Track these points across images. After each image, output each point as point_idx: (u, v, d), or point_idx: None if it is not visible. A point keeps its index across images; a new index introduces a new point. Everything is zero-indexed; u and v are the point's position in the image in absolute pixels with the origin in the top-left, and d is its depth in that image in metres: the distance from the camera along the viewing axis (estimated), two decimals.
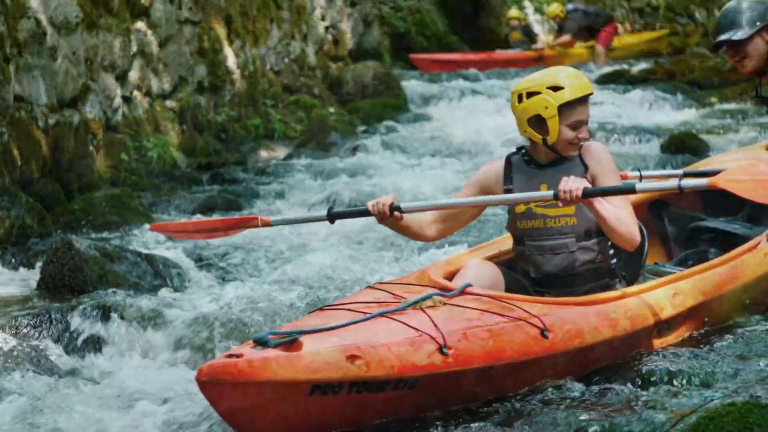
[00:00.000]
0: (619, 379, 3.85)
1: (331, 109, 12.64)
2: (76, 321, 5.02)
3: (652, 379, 3.81)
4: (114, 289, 5.60)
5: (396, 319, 3.57)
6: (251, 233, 7.40)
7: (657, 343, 4.15)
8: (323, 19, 14.89)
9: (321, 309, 3.84)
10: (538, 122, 4.12)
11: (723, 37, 4.81)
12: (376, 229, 6.49)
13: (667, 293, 4.18)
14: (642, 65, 16.49)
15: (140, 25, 9.75)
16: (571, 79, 4.09)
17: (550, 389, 3.76)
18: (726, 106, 12.10)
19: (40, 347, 4.80)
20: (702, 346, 4.20)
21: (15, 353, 4.69)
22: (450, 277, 4.19)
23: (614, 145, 10.08)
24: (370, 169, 9.40)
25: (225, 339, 4.73)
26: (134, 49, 9.50)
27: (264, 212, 7.98)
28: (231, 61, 11.48)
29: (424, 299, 3.73)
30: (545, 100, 4.08)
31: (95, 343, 4.93)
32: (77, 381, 4.37)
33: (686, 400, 3.55)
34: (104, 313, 5.06)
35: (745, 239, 4.88)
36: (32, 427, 3.87)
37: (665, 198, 5.44)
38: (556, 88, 4.08)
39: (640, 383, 3.79)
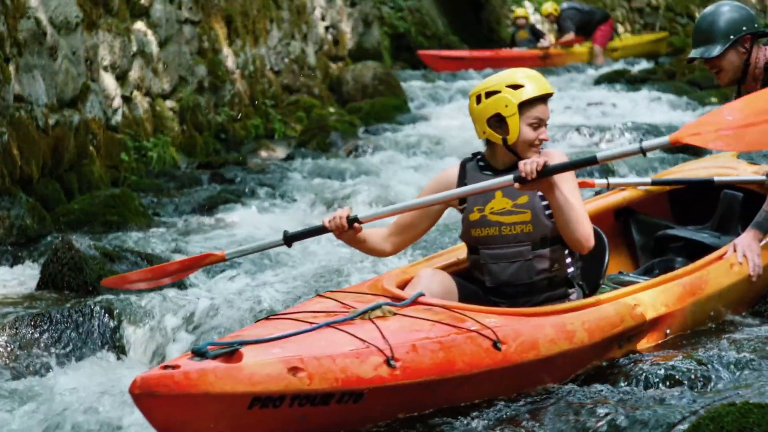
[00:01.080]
0: (618, 380, 3.85)
1: (331, 109, 12.64)
2: (76, 321, 5.01)
3: (652, 379, 3.81)
4: (114, 289, 5.60)
5: (343, 330, 3.47)
6: (253, 228, 7.42)
7: (619, 354, 4.04)
8: (323, 19, 14.89)
9: (267, 318, 3.73)
10: (497, 122, 4.04)
11: (696, 54, 4.82)
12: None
13: (627, 304, 4.07)
14: (642, 65, 16.49)
15: (140, 25, 9.75)
16: (531, 78, 4.03)
17: (548, 390, 3.76)
18: None
19: (41, 347, 4.80)
20: (702, 346, 4.20)
21: (15, 353, 4.69)
22: (404, 286, 4.08)
23: (615, 145, 10.08)
24: (370, 169, 9.41)
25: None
26: (134, 49, 9.51)
27: (264, 211, 7.98)
28: (231, 61, 11.48)
29: (373, 309, 3.62)
30: (505, 99, 4.01)
31: (95, 343, 4.93)
32: (77, 381, 4.38)
33: (686, 400, 3.55)
34: (104, 313, 5.06)
35: (712, 249, 4.79)
36: (32, 426, 3.87)
37: (632, 206, 5.35)
38: (515, 86, 4.01)
39: (639, 383, 3.78)
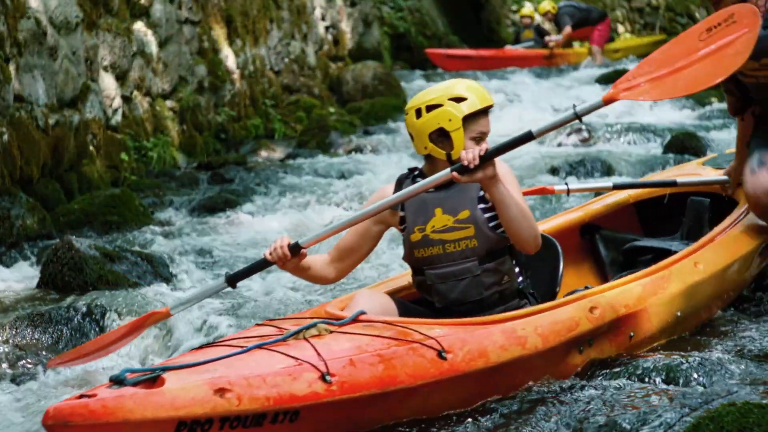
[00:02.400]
0: (618, 380, 3.85)
1: (331, 109, 12.65)
2: (76, 321, 5.02)
3: (652, 379, 3.81)
4: (114, 289, 5.60)
5: (275, 351, 3.33)
6: (253, 229, 7.42)
7: (580, 360, 3.92)
8: (323, 19, 14.89)
9: (198, 348, 3.58)
10: (440, 136, 3.90)
11: None
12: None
13: (583, 307, 3.93)
14: None
15: (140, 25, 9.76)
16: (473, 90, 3.90)
17: (547, 390, 3.76)
18: (726, 106, 12.08)
19: (41, 347, 4.81)
20: (701, 346, 4.20)
21: (15, 353, 4.69)
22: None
23: (615, 145, 10.09)
24: (370, 168, 9.41)
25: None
26: (134, 49, 9.51)
27: (264, 211, 7.98)
28: (231, 61, 11.49)
29: (307, 328, 3.48)
30: (449, 112, 3.87)
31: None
32: (77, 381, 4.38)
33: (686, 400, 3.55)
34: (104, 313, 5.06)
35: None
36: (32, 426, 3.87)
37: (598, 221, 5.16)
38: (458, 99, 3.88)
39: (639, 383, 3.78)
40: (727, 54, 3.64)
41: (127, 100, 9.35)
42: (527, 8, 18.83)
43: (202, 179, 9.28)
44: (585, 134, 10.39)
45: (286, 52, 13.24)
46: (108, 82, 8.96)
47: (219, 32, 11.35)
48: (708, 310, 4.52)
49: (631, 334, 4.09)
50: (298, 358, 3.27)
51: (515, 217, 3.74)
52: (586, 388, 3.78)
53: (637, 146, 10.02)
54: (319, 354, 3.30)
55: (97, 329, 4.99)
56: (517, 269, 3.98)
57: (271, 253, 3.82)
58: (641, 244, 5.06)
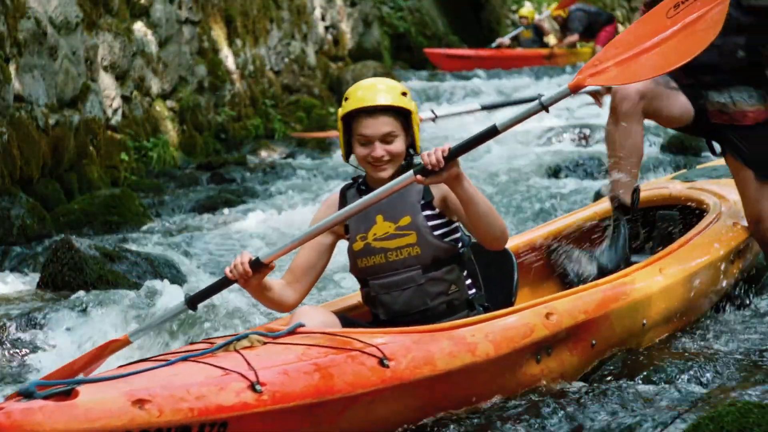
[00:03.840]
0: (617, 379, 3.85)
1: (331, 109, 12.65)
2: (76, 321, 5.02)
3: (652, 379, 3.81)
4: (114, 289, 5.60)
5: (202, 362, 3.15)
6: (252, 229, 7.42)
7: (538, 369, 3.71)
8: (323, 19, 14.90)
9: (123, 366, 3.34)
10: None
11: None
12: None
13: (538, 313, 3.73)
14: None
15: (140, 25, 9.76)
16: (357, 89, 3.70)
17: (547, 390, 3.76)
18: None
19: (40, 347, 4.81)
20: (701, 346, 4.20)
21: (15, 353, 4.69)
22: None
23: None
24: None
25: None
26: (134, 49, 9.51)
27: (264, 211, 7.99)
28: (231, 61, 11.49)
29: (238, 339, 3.29)
30: (338, 112, 3.75)
31: (95, 344, 4.93)
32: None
33: (686, 400, 3.55)
34: (104, 313, 5.06)
35: None
36: None
37: (563, 240, 4.89)
38: (346, 98, 3.73)
39: (639, 383, 3.79)
40: (697, 30, 3.48)
41: (127, 100, 9.35)
42: (526, 8, 18.84)
43: (202, 179, 9.28)
44: (584, 134, 10.39)
45: (286, 52, 13.24)
46: (108, 82, 8.96)
47: (219, 32, 11.35)
48: (679, 318, 4.35)
49: (593, 341, 3.90)
50: (225, 368, 3.08)
51: (485, 214, 3.54)
52: (585, 389, 3.78)
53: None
54: (249, 364, 3.11)
55: (97, 329, 4.99)
56: (469, 280, 3.79)
57: (231, 271, 3.58)
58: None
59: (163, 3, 10.15)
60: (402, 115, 3.71)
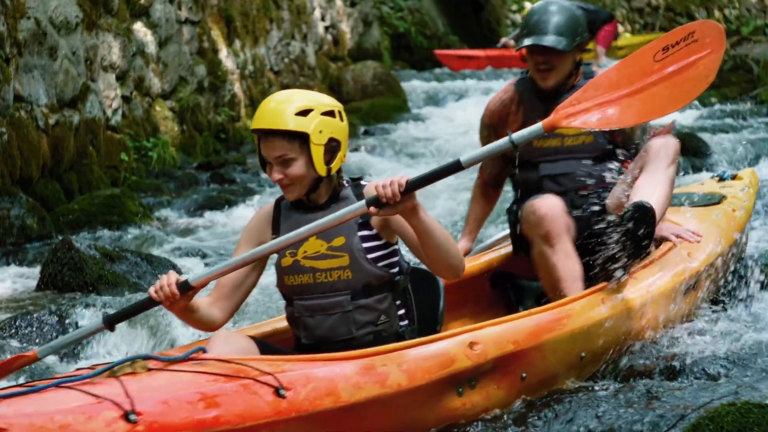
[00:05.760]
0: (617, 379, 3.85)
1: None
2: (76, 321, 5.02)
3: (652, 379, 3.81)
4: (114, 289, 5.60)
5: (77, 389, 2.86)
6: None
7: (459, 404, 3.41)
8: (323, 19, 14.90)
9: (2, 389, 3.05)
10: None
11: (547, 42, 4.27)
12: None
13: (461, 342, 3.43)
14: None
15: (140, 25, 9.76)
16: (260, 107, 3.46)
17: (545, 391, 3.75)
18: (726, 106, 12.11)
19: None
20: (701, 346, 4.20)
21: (15, 353, 4.69)
22: None
23: None
24: (370, 169, 9.41)
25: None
26: (134, 49, 9.51)
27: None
28: (231, 61, 11.49)
29: (120, 364, 3.02)
30: None
31: (95, 344, 4.93)
32: None
33: (686, 400, 3.55)
34: (104, 313, 5.06)
35: None
36: None
37: (509, 268, 4.59)
38: None
39: (638, 383, 3.78)
40: (687, 78, 3.24)
41: (127, 100, 9.35)
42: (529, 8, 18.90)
43: (202, 179, 9.28)
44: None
45: (286, 52, 13.25)
46: (108, 82, 8.96)
47: (219, 32, 11.35)
48: (621, 348, 4.02)
49: (523, 375, 3.59)
50: (99, 396, 2.79)
51: (441, 244, 3.30)
52: (585, 389, 3.77)
53: None
54: (126, 391, 2.82)
55: None
56: (402, 311, 3.52)
57: (157, 291, 3.31)
58: None
59: (163, 3, 10.15)
60: (300, 137, 3.41)
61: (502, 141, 3.24)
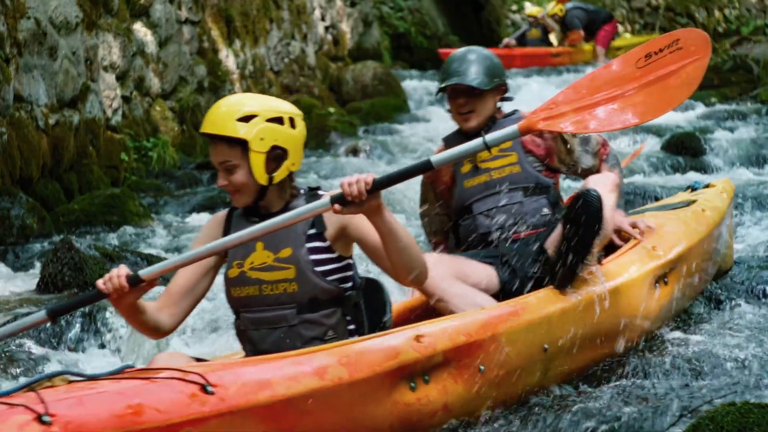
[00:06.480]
0: (617, 380, 3.85)
1: (331, 109, 12.65)
2: (76, 321, 5.02)
3: (652, 379, 3.81)
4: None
5: None
6: None
7: (414, 398, 3.30)
8: (323, 19, 14.90)
9: None
10: None
11: (468, 81, 4.28)
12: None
13: (405, 336, 3.35)
14: None
15: (140, 25, 9.76)
16: (210, 110, 3.39)
17: (545, 390, 3.75)
18: (726, 106, 12.11)
19: (40, 347, 4.81)
20: (701, 346, 4.20)
21: (14, 353, 4.69)
22: None
23: (614, 145, 10.09)
24: (370, 169, 9.40)
25: (227, 335, 4.74)
26: (134, 49, 9.51)
27: None
28: (231, 61, 11.49)
29: (39, 380, 2.90)
30: None
31: (96, 344, 4.93)
32: None
33: (686, 400, 3.55)
34: (104, 313, 5.07)
35: None
36: None
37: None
38: None
39: (638, 383, 3.79)
40: (670, 85, 3.19)
41: (127, 100, 9.35)
42: (535, 8, 18.87)
43: (202, 179, 9.28)
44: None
45: (286, 52, 13.25)
46: (108, 82, 8.96)
47: (219, 32, 11.36)
48: (600, 344, 4.00)
49: (482, 367, 3.50)
50: (12, 404, 2.68)
51: (406, 247, 3.21)
52: (585, 389, 3.78)
53: (637, 146, 10.01)
54: (41, 399, 2.69)
55: (97, 329, 4.99)
56: (352, 326, 3.41)
57: (105, 283, 3.19)
58: None
59: (163, 3, 10.15)
60: (241, 143, 3.30)
61: (476, 141, 3.19)
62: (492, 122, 4.35)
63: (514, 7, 22.30)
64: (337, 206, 3.13)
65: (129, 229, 7.31)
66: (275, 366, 3.06)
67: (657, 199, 6.97)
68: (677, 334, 4.38)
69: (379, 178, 3.13)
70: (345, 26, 15.65)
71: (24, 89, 7.40)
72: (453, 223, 4.42)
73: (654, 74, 3.21)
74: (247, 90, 11.79)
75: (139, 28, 9.72)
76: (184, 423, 2.82)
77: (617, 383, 3.80)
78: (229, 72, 11.41)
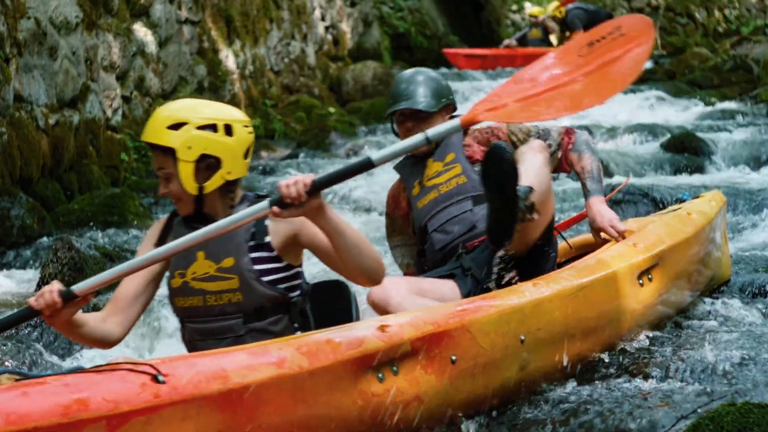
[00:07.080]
0: (617, 379, 3.85)
1: (331, 109, 12.65)
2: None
3: (651, 379, 3.81)
4: (114, 289, 5.59)
5: None
6: None
7: (382, 389, 3.20)
8: (323, 19, 14.90)
9: None
10: None
11: (411, 105, 4.26)
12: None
13: (369, 326, 3.29)
14: None
15: (140, 25, 9.76)
16: (150, 118, 3.27)
17: (545, 390, 3.75)
18: (726, 106, 12.12)
19: (40, 347, 4.81)
20: (701, 345, 4.20)
21: (14, 354, 4.69)
22: None
23: (615, 145, 10.09)
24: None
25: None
26: (134, 49, 9.51)
27: None
28: (231, 61, 11.49)
29: None
30: None
31: (81, 347, 4.92)
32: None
33: (686, 400, 3.55)
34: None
35: None
36: None
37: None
38: None
39: (639, 383, 3.79)
40: (611, 72, 3.15)
41: (127, 100, 9.35)
42: (536, 8, 18.89)
43: None
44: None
45: (286, 52, 13.25)
46: (108, 82, 8.96)
47: (219, 32, 11.36)
48: (587, 338, 3.95)
49: (453, 358, 3.41)
50: None
51: (355, 245, 3.10)
52: (585, 389, 3.78)
53: (637, 146, 10.02)
54: None
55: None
56: (299, 332, 3.31)
57: (36, 300, 3.08)
58: None
59: (163, 3, 10.15)
60: (171, 152, 3.20)
61: (417, 136, 3.11)
62: (441, 140, 4.29)
63: (514, 8, 22.30)
64: (276, 209, 3.03)
65: (129, 229, 7.31)
66: (231, 357, 2.98)
67: (656, 199, 6.97)
68: (677, 334, 4.38)
69: (319, 178, 3.03)
70: (345, 26, 15.65)
71: (24, 89, 7.40)
72: (419, 249, 4.41)
73: (597, 61, 3.18)
74: (248, 90, 11.79)
75: (139, 28, 9.72)
76: (133, 412, 2.74)
77: (616, 383, 3.80)
78: (229, 72, 11.41)
